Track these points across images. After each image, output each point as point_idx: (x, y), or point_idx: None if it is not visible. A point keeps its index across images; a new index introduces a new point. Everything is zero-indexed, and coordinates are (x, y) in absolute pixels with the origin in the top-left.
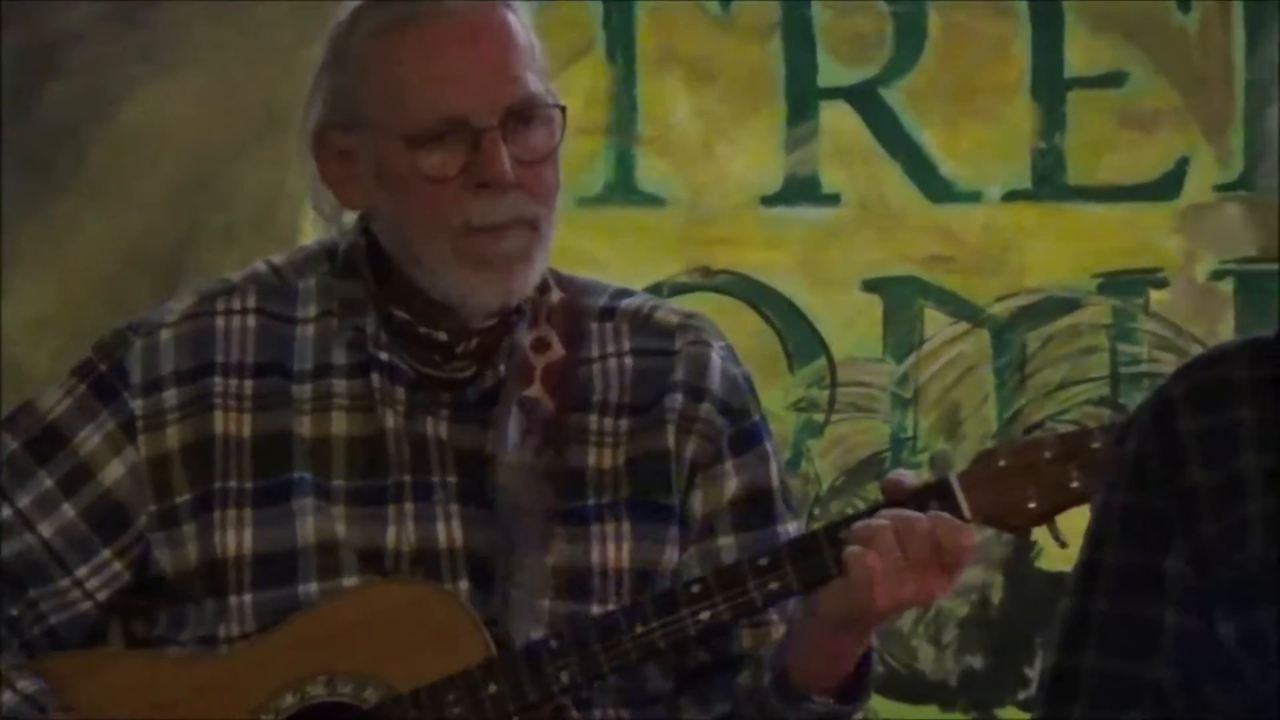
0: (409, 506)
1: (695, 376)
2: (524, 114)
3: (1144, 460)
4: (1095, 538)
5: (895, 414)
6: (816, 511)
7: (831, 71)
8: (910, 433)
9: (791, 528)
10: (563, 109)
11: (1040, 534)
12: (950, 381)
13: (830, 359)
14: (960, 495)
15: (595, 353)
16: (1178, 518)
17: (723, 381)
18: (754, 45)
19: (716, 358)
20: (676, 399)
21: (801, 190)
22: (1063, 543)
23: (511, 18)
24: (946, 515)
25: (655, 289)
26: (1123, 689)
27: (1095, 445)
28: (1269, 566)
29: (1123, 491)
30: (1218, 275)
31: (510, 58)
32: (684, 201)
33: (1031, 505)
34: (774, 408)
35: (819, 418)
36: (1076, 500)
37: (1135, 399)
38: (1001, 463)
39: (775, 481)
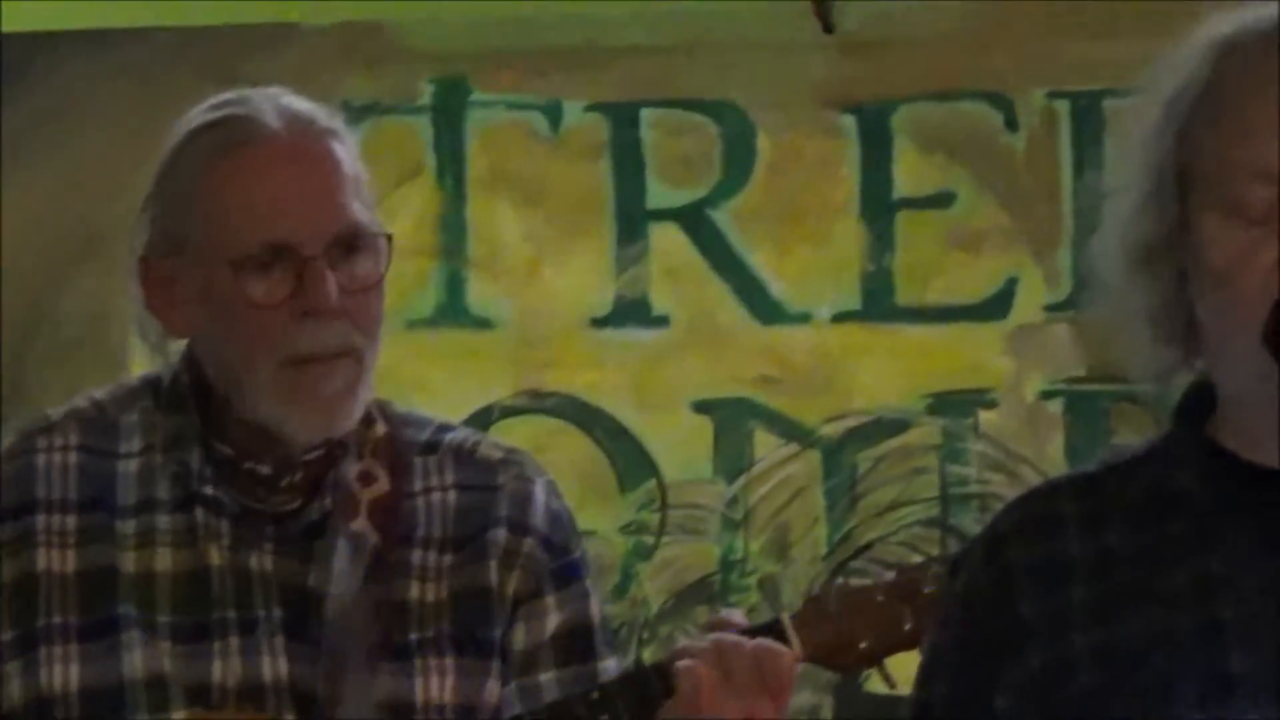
0: (234, 641)
1: (518, 511)
2: (350, 242)
3: (974, 594)
4: (927, 673)
5: (725, 536)
6: (646, 635)
7: (660, 193)
8: (740, 555)
9: (611, 664)
10: (389, 237)
11: None
12: (780, 503)
13: (660, 481)
14: (791, 634)
15: (419, 487)
16: (1007, 651)
17: (545, 516)
18: (583, 166)
19: (539, 493)
20: (499, 534)
21: (631, 312)
22: (892, 684)
23: (337, 147)
24: (770, 640)
25: (485, 412)
26: None
27: (927, 589)
28: (1097, 700)
29: (954, 626)
30: (1047, 395)
31: (336, 186)
32: (514, 324)
33: (863, 646)
34: (604, 530)
35: (649, 540)
36: (908, 643)
37: (965, 520)
38: (833, 605)
39: (596, 617)
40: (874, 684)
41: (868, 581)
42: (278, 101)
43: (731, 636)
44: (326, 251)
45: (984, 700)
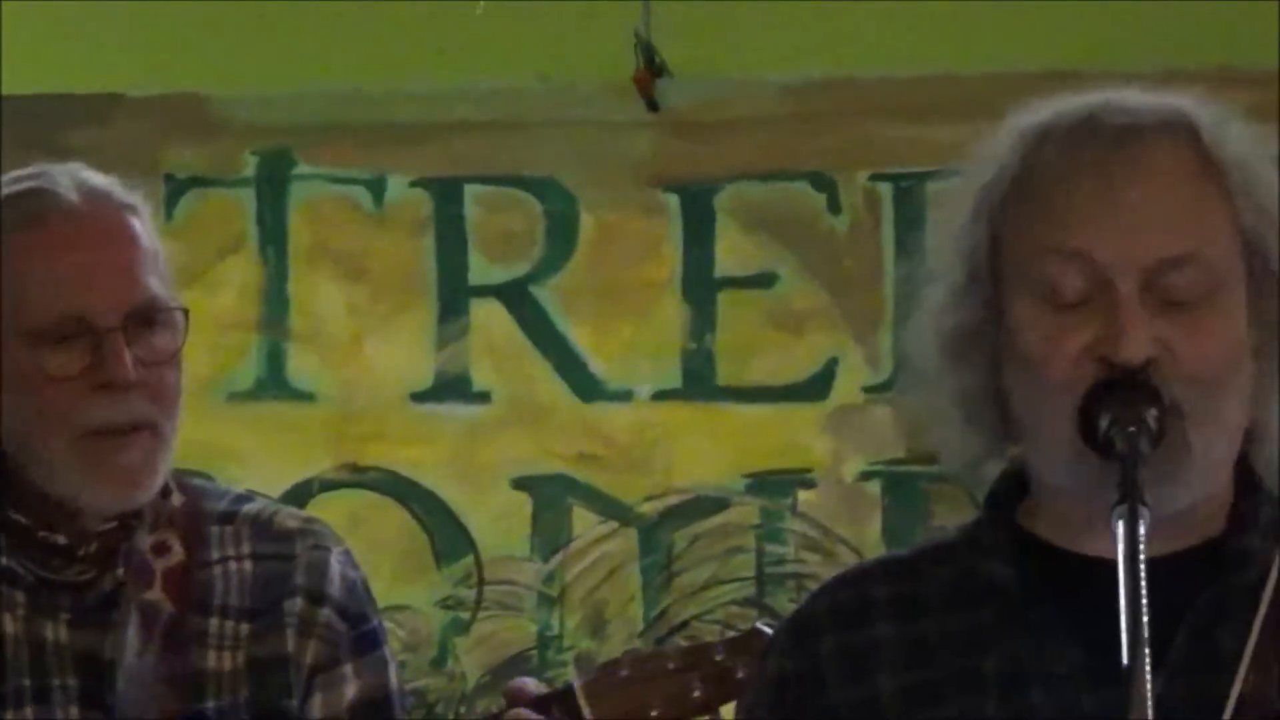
0: (29, 711)
1: (315, 581)
2: (146, 316)
3: (784, 678)
4: None
5: (542, 612)
6: (463, 709)
7: (483, 269)
8: (556, 631)
9: None
10: (185, 312)
11: None
12: (597, 580)
13: (478, 557)
14: (583, 702)
15: (216, 556)
16: None
17: (342, 586)
18: (406, 242)
19: (336, 563)
20: (296, 603)
21: (452, 387)
22: None
23: (135, 222)
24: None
25: (305, 485)
26: None
27: (718, 657)
28: None
29: (764, 710)
30: (865, 476)
31: (133, 260)
32: (334, 397)
33: (654, 715)
34: (421, 605)
35: (466, 615)
36: (698, 711)
37: (781, 600)
38: (625, 672)
39: (393, 685)
40: None
41: (660, 649)
42: (76, 176)
43: (526, 713)
44: (123, 325)
45: None
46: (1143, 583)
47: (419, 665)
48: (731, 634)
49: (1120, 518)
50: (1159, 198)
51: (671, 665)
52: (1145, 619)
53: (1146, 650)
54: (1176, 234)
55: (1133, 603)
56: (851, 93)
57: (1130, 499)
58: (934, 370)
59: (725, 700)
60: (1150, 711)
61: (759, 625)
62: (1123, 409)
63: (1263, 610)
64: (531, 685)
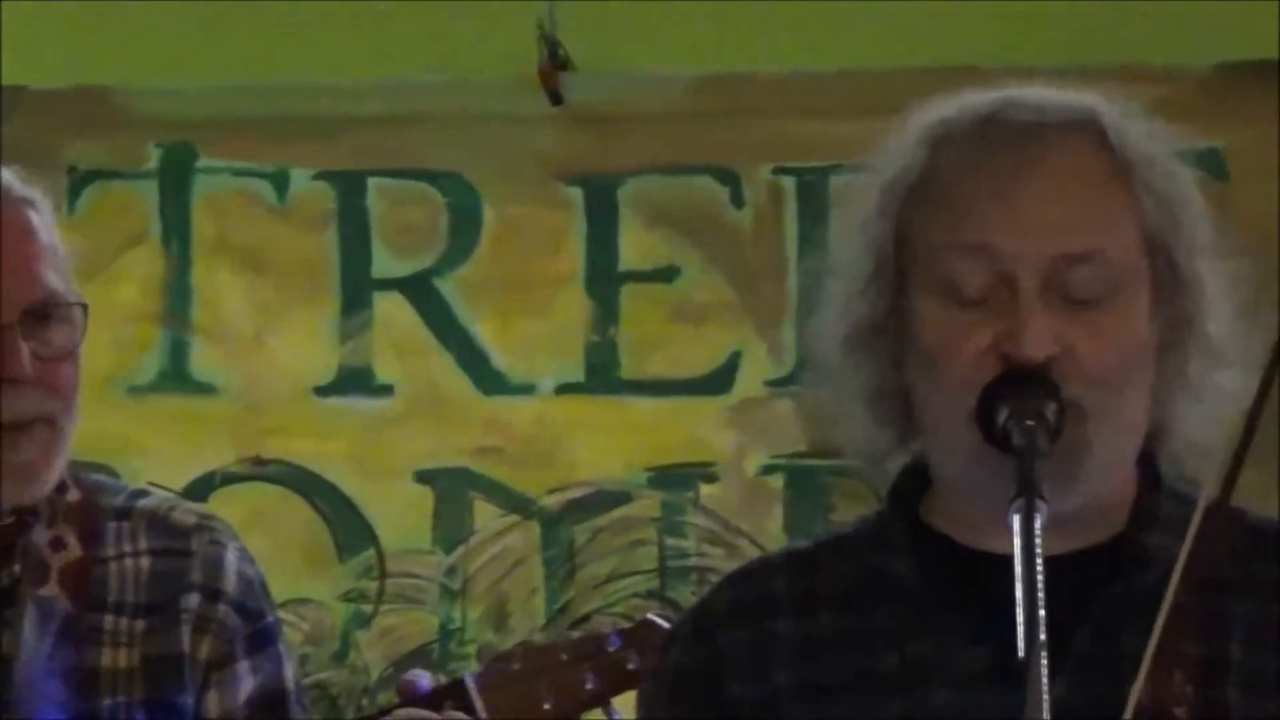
0: None
1: (211, 577)
2: (44, 312)
3: (684, 673)
4: None
5: (444, 605)
6: (365, 702)
7: (386, 262)
8: (458, 624)
9: None
10: (84, 307)
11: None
12: (499, 573)
13: (380, 550)
14: (475, 696)
15: (112, 552)
16: None
17: (238, 582)
18: (309, 235)
19: (232, 558)
20: (192, 599)
21: (355, 381)
22: None
23: (34, 216)
24: (460, 715)
25: (206, 478)
26: None
27: (610, 649)
28: None
29: (663, 704)
30: (768, 470)
31: (30, 256)
32: (236, 391)
33: (546, 707)
34: (323, 598)
35: (368, 608)
36: (591, 702)
37: (683, 593)
38: (517, 665)
39: (290, 682)
40: None
41: (552, 641)
42: None
43: (419, 712)
44: (20, 320)
45: None
46: (1039, 576)
47: (321, 658)
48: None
49: (1017, 512)
50: (1062, 194)
51: (564, 657)
52: (1042, 613)
53: (1044, 646)
54: (1080, 231)
55: (1029, 597)
56: (755, 87)
57: (1027, 493)
58: (837, 364)
59: (618, 692)
60: (1047, 711)
61: (650, 616)
62: (1021, 403)
63: (1164, 612)
64: (425, 679)
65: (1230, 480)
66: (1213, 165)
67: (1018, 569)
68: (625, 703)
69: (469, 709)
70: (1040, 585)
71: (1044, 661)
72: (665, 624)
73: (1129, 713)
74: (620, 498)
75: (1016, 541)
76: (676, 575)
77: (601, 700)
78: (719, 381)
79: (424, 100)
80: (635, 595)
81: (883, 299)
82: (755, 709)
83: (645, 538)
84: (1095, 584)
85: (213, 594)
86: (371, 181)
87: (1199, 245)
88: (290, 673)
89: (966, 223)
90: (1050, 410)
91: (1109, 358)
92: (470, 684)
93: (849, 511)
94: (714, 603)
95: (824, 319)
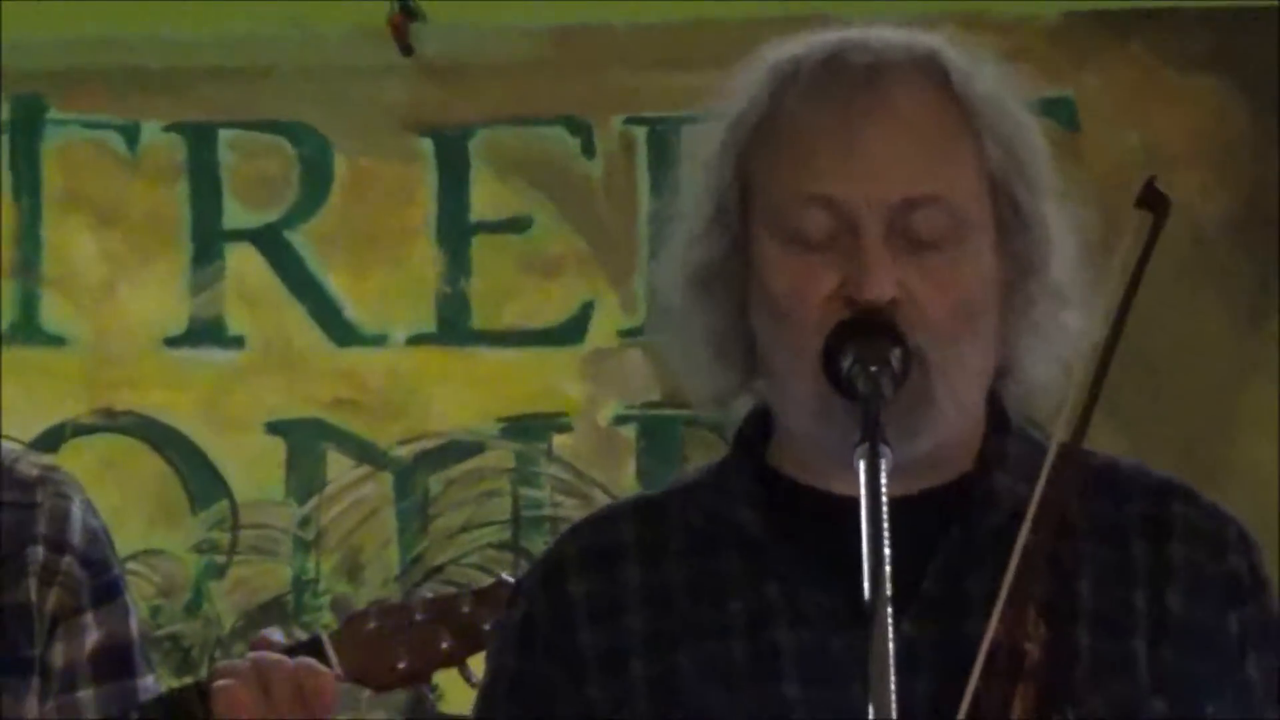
0: None
1: (56, 529)
2: None
3: (532, 622)
4: (485, 700)
5: (297, 557)
6: (218, 654)
7: (237, 214)
8: (312, 575)
9: (149, 681)
10: None
11: (442, 676)
12: (353, 525)
13: (232, 501)
14: (330, 653)
15: None
16: (564, 681)
17: (83, 534)
18: (160, 187)
19: (77, 511)
20: (38, 551)
21: (206, 332)
22: (474, 683)
23: None
24: (310, 659)
25: (57, 430)
26: None
27: (465, 609)
28: None
29: (512, 654)
30: (621, 420)
31: None
32: (87, 343)
33: (401, 666)
34: (175, 550)
35: (221, 560)
36: (446, 662)
37: (537, 543)
38: (372, 624)
39: (135, 634)
40: (447, 704)
41: (406, 601)
42: None
43: (272, 656)
44: None
45: None
46: (884, 523)
47: (173, 610)
48: (483, 582)
49: (862, 458)
50: (904, 138)
51: (419, 617)
52: (887, 558)
53: (889, 590)
54: (922, 175)
55: (874, 542)
56: (606, 38)
57: (871, 439)
58: (680, 307)
59: (473, 652)
60: (892, 651)
61: (504, 576)
62: (865, 349)
63: (1017, 552)
64: (278, 637)
65: (1082, 424)
66: (1063, 114)
67: (864, 515)
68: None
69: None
70: (885, 528)
71: (889, 604)
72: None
73: (983, 650)
74: (473, 448)
75: (863, 488)
76: (530, 526)
77: (457, 660)
78: (571, 332)
79: (275, 52)
80: (489, 546)
81: (726, 241)
82: (605, 657)
83: (499, 488)
84: (942, 525)
85: (58, 546)
86: (222, 133)
87: (1042, 186)
88: (135, 624)
89: (809, 172)
90: (895, 356)
91: (952, 304)
92: (325, 641)
93: (702, 460)
94: (561, 551)
95: (667, 261)
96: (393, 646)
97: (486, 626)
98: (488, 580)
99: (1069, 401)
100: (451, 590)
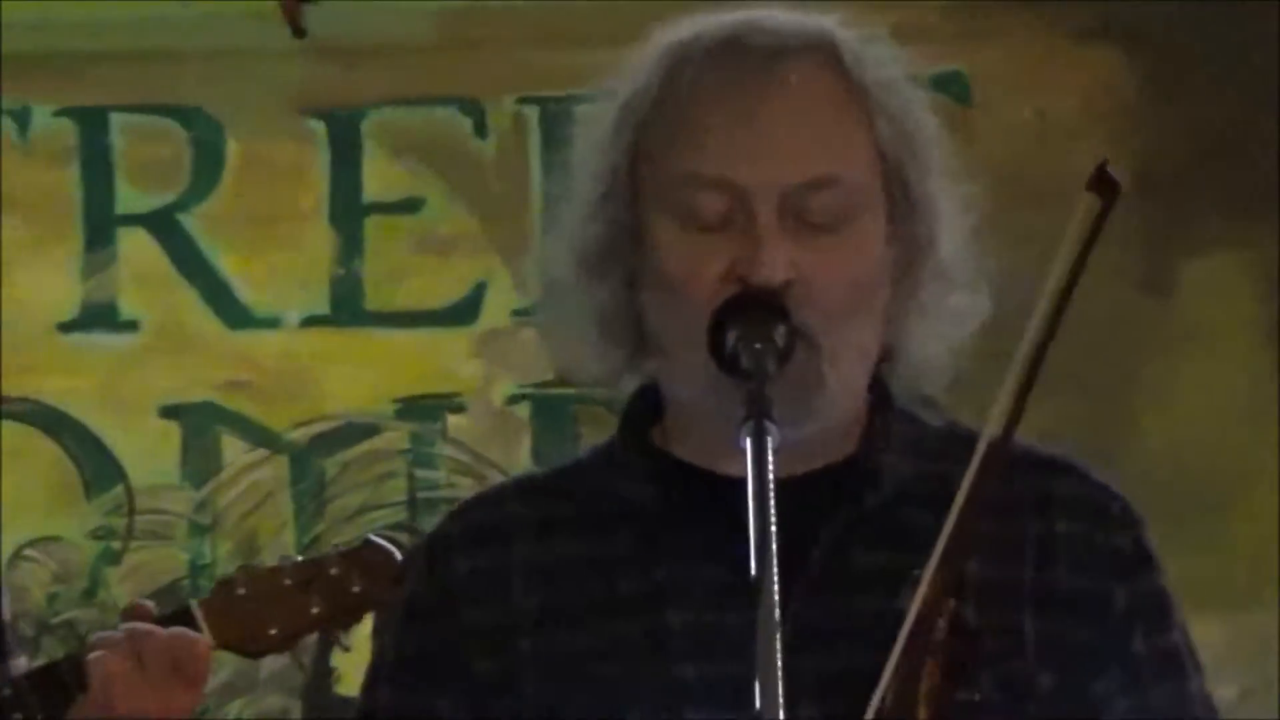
0: None
1: None
2: None
3: (418, 600)
4: (373, 679)
5: (194, 541)
6: None
7: (130, 198)
8: (209, 559)
9: (22, 662)
10: None
11: (341, 659)
12: (249, 508)
13: (128, 486)
14: (201, 622)
15: None
16: (452, 659)
17: None
18: (51, 172)
19: None
20: None
21: (99, 317)
22: (346, 647)
23: None
24: (183, 629)
25: None
26: None
27: (333, 571)
28: (542, 711)
29: (398, 633)
30: (515, 400)
31: None
32: None
33: (273, 632)
34: (72, 536)
35: (117, 545)
36: (316, 626)
37: (433, 523)
38: (241, 590)
39: (7, 616)
40: (344, 685)
41: (276, 565)
42: None
43: (145, 626)
44: None
45: (427, 708)
46: (771, 497)
47: (70, 596)
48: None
49: (748, 435)
50: (798, 121)
51: (288, 581)
52: (774, 535)
53: (775, 567)
54: (816, 157)
55: (761, 520)
56: (497, 18)
57: (756, 416)
58: (570, 285)
59: (344, 615)
60: (778, 628)
61: (370, 537)
62: (749, 326)
63: (947, 528)
64: (151, 605)
65: (1013, 419)
66: (956, 89)
67: (750, 491)
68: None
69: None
70: (772, 502)
71: (776, 584)
72: (385, 544)
73: (908, 624)
74: (368, 430)
75: (749, 464)
76: (427, 506)
77: (328, 623)
78: (465, 312)
79: (167, 35)
80: (386, 527)
81: (617, 220)
82: (492, 636)
83: (395, 469)
84: (830, 504)
85: None
86: (114, 117)
87: (933, 168)
88: (7, 606)
89: (704, 153)
90: (779, 333)
91: (843, 285)
92: (196, 610)
93: (596, 440)
94: (448, 530)
95: (557, 240)
96: (263, 612)
97: (355, 589)
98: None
99: (1005, 387)
100: (317, 554)
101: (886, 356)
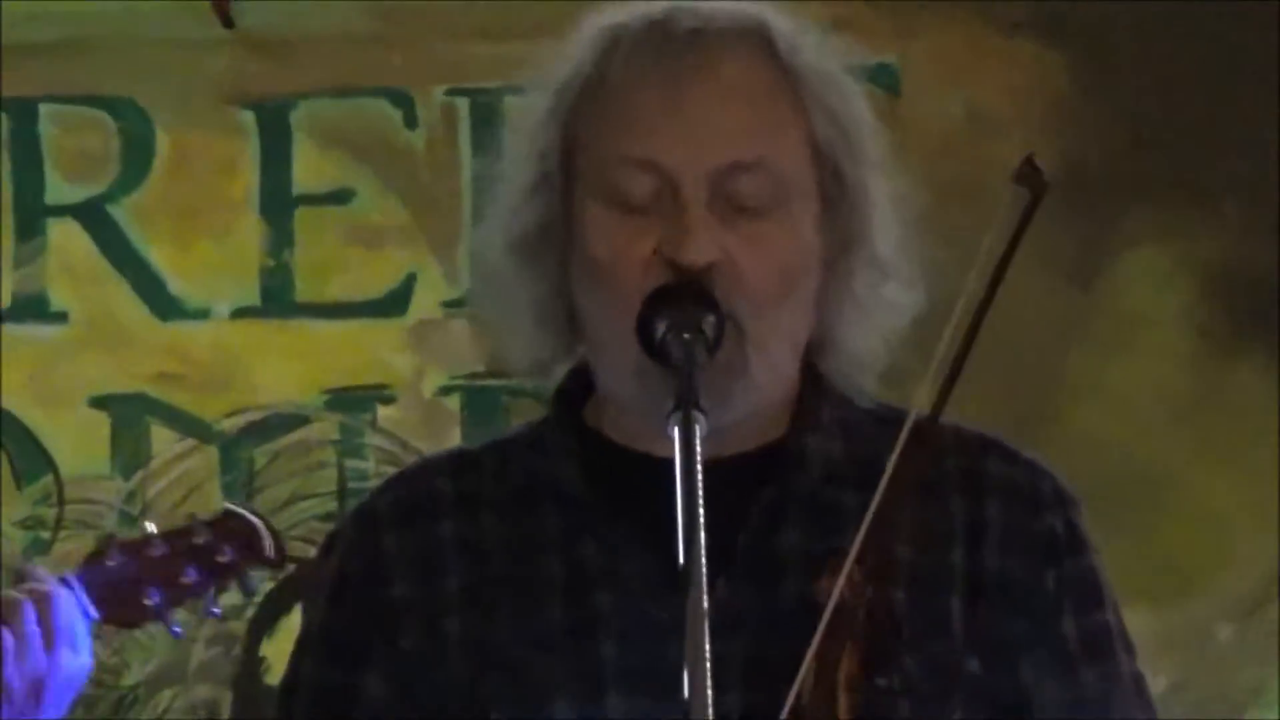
0: None
1: None
2: None
3: (346, 575)
4: (298, 653)
5: (123, 530)
6: None
7: (59, 188)
8: None
9: None
10: None
11: (270, 649)
12: (179, 498)
13: (58, 476)
14: (82, 595)
15: None
16: (378, 635)
17: None
18: None
19: None
20: None
21: (28, 308)
22: (219, 616)
23: None
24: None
25: None
26: None
27: (198, 540)
28: (467, 690)
29: (324, 607)
30: (445, 391)
31: None
32: None
33: (149, 602)
34: (1, 526)
35: (46, 535)
36: (190, 593)
37: None
38: (112, 562)
39: None
40: (274, 676)
41: (142, 536)
42: None
43: (10, 593)
44: None
45: (351, 685)
46: (699, 489)
47: None
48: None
49: (675, 424)
50: (728, 104)
51: (156, 551)
52: (702, 526)
53: (704, 557)
54: (744, 140)
55: (689, 510)
56: (427, 9)
57: (685, 407)
58: (503, 272)
59: (219, 582)
60: (706, 613)
61: (229, 505)
62: (679, 316)
63: (871, 511)
64: (41, 572)
65: (943, 395)
66: (886, 80)
67: (678, 483)
68: None
69: None
70: (700, 494)
71: (704, 567)
72: (246, 513)
73: (829, 609)
74: (298, 420)
75: (677, 455)
76: (356, 497)
77: (203, 590)
78: (395, 303)
79: (96, 25)
80: (315, 518)
81: (550, 206)
82: (419, 611)
83: (325, 460)
84: (757, 487)
85: None
86: (43, 108)
87: (868, 159)
88: None
89: (633, 135)
90: (708, 324)
91: (772, 270)
92: (74, 583)
93: None
94: (375, 505)
95: (490, 226)
96: (137, 583)
97: (223, 559)
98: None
99: (931, 371)
100: (183, 522)
101: (818, 346)
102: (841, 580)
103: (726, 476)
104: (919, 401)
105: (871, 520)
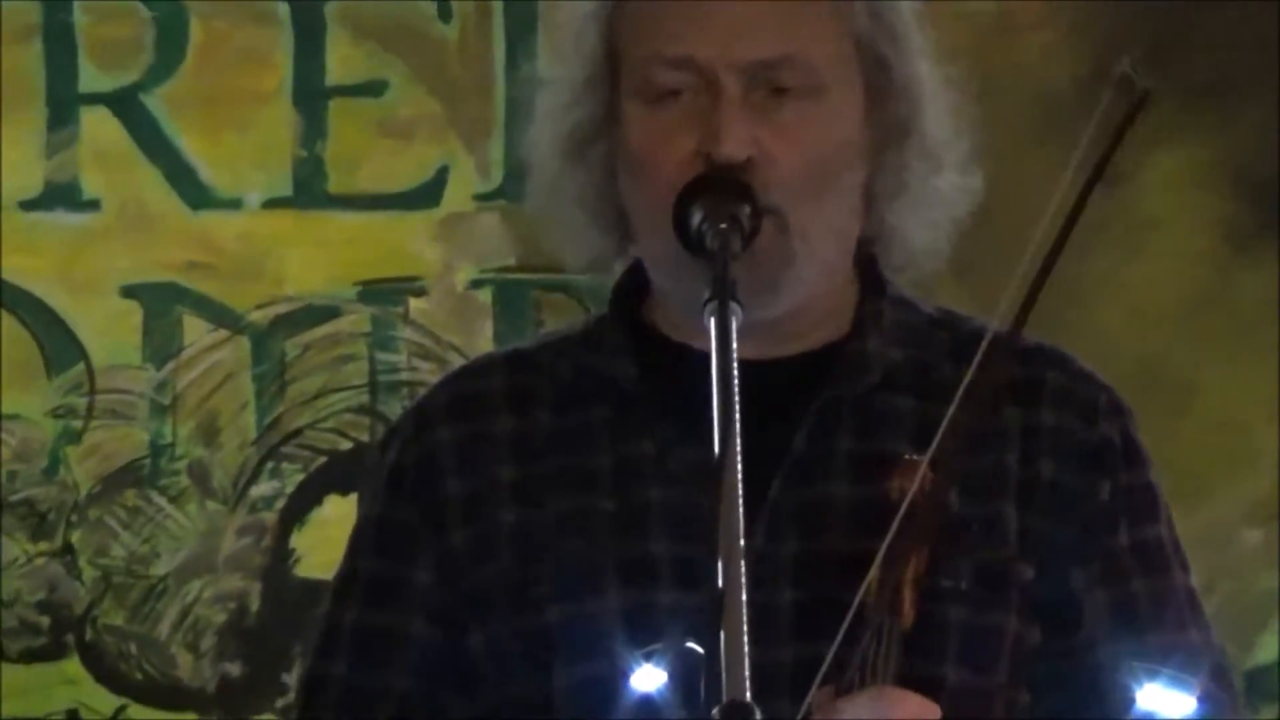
0: None
1: None
2: None
3: (401, 470)
4: (354, 547)
5: (154, 421)
6: (74, 518)
7: (92, 77)
8: (169, 440)
9: None
10: None
11: (299, 539)
12: (209, 389)
13: (89, 365)
14: None
15: None
16: (428, 528)
17: None
18: (14, 48)
19: None
20: None
21: (61, 195)
22: None
23: None
24: None
25: None
26: (366, 699)
27: None
28: (515, 580)
29: (380, 501)
30: (476, 284)
31: None
32: None
33: None
34: (32, 414)
35: (78, 424)
36: None
37: (394, 407)
38: None
39: None
40: (304, 567)
41: None
42: None
43: None
44: None
45: (403, 577)
46: (734, 375)
47: (30, 475)
48: (349, 445)
49: (711, 315)
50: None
51: None
52: (737, 415)
53: (738, 447)
54: (777, 35)
55: (724, 400)
56: None
57: (720, 296)
58: (554, 173)
59: None
60: (740, 503)
61: None
62: (712, 206)
63: (948, 418)
64: None
65: (1022, 316)
66: None
67: (714, 371)
68: None
69: None
70: (736, 384)
71: (740, 464)
72: None
73: (900, 513)
74: (329, 312)
75: (713, 345)
76: (387, 390)
77: None
78: (427, 196)
79: None
80: (346, 410)
81: (597, 106)
82: (472, 504)
83: (355, 352)
84: (814, 388)
85: None
86: None
87: (912, 48)
88: None
89: (668, 33)
90: (743, 213)
91: (807, 161)
92: None
93: (557, 325)
94: (432, 400)
95: (539, 128)
96: None
97: None
98: (347, 445)
99: (1015, 284)
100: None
101: (875, 241)
102: (916, 481)
103: (783, 377)
104: (1002, 310)
105: (946, 426)
